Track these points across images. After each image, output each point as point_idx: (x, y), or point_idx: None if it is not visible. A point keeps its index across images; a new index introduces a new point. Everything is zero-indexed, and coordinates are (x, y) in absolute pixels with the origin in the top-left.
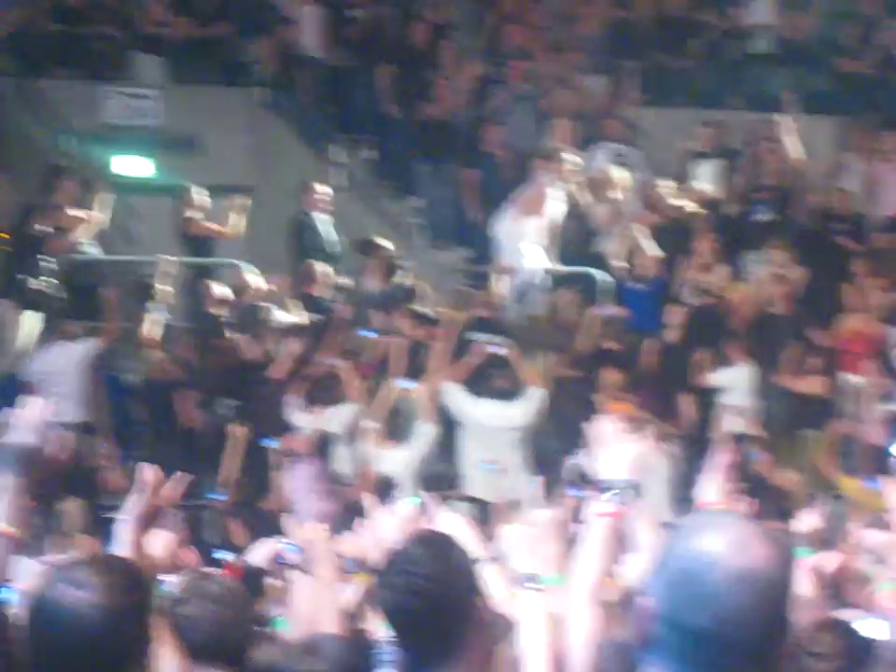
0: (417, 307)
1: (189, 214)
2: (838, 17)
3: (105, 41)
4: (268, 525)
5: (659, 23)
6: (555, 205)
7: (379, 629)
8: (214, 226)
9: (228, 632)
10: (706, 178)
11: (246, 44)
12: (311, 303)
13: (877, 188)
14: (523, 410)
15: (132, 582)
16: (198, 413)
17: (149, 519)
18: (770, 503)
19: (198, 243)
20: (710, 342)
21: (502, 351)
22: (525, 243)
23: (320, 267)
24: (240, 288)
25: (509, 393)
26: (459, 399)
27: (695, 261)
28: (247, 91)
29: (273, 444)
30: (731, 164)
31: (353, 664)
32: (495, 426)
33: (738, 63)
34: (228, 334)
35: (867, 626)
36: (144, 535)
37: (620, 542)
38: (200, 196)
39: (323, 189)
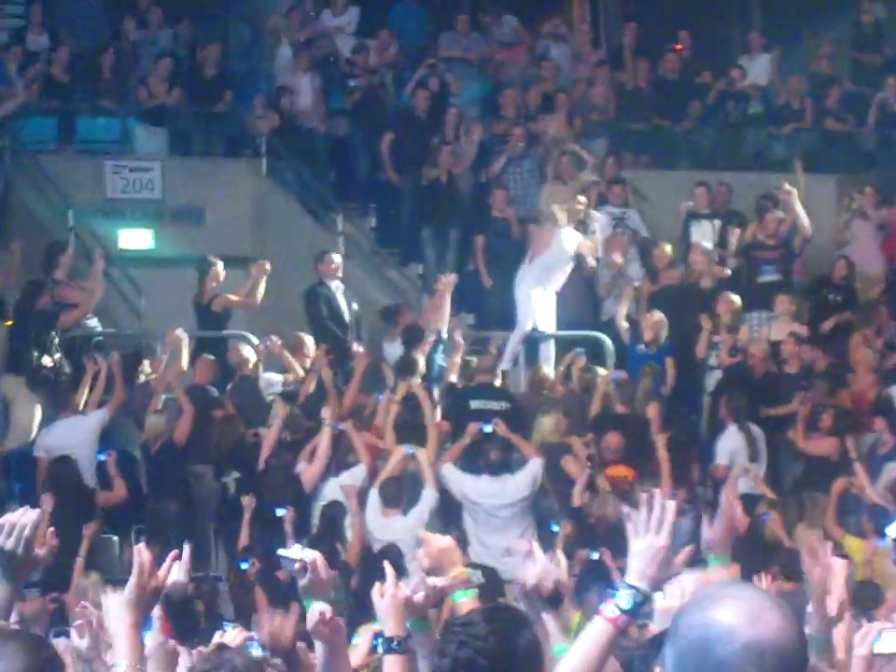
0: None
1: (212, 287)
2: (829, 78)
3: (104, 115)
4: (283, 595)
5: (657, 87)
6: (570, 245)
7: None
8: (237, 298)
9: None
10: (704, 239)
11: (247, 115)
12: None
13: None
14: (520, 483)
15: (41, 658)
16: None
17: (147, 602)
18: (783, 565)
19: (212, 315)
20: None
21: (489, 429)
22: (545, 296)
23: (308, 339)
24: (238, 363)
25: (506, 467)
26: (458, 481)
27: (720, 322)
28: (248, 162)
29: (283, 512)
30: (730, 224)
31: None
32: (494, 503)
33: (737, 124)
34: (228, 407)
35: None
36: (142, 618)
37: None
38: (220, 269)
39: (337, 259)
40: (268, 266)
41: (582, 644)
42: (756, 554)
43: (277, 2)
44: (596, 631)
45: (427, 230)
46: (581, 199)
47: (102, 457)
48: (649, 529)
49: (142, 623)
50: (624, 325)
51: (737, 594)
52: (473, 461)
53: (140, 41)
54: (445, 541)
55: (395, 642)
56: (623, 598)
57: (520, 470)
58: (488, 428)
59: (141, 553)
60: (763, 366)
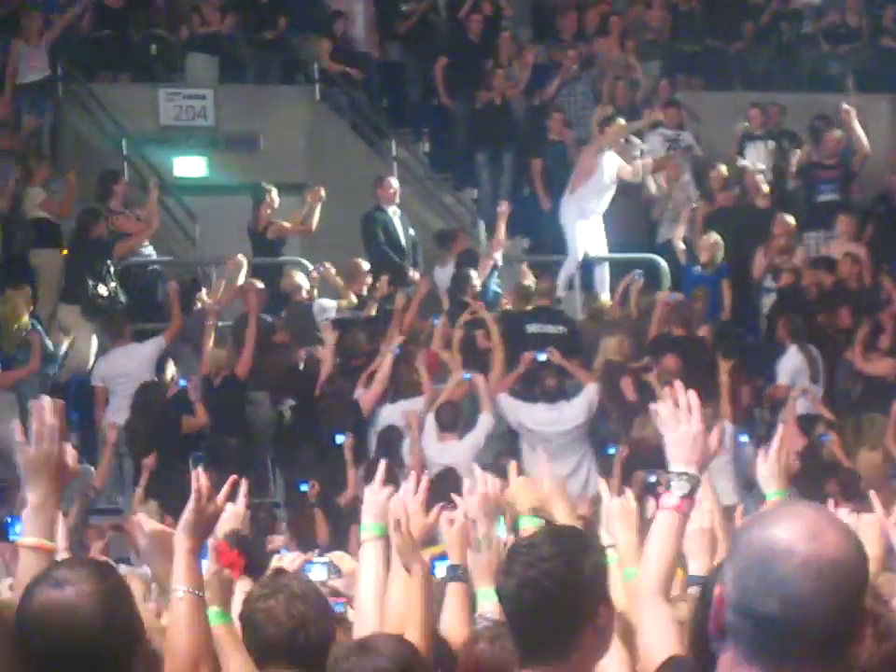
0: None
1: (267, 214)
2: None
3: (156, 43)
4: (345, 520)
5: (710, 7)
6: (610, 171)
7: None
8: (292, 225)
9: (309, 629)
10: (759, 160)
11: (299, 41)
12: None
13: None
14: (577, 410)
15: (110, 576)
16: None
17: (204, 528)
18: (842, 485)
19: (266, 242)
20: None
21: (544, 357)
22: (589, 225)
23: (364, 265)
24: (291, 290)
25: (561, 393)
26: (514, 409)
27: (775, 244)
28: (302, 89)
29: (342, 439)
30: (785, 145)
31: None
32: (551, 431)
33: (790, 45)
34: (282, 334)
35: None
36: (199, 544)
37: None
38: (274, 196)
39: (395, 184)
40: (323, 192)
41: (657, 538)
42: (815, 474)
43: None
44: (665, 523)
45: (481, 154)
46: (621, 121)
47: (183, 383)
48: (679, 420)
49: (199, 548)
50: (681, 246)
51: (797, 511)
52: (528, 388)
53: None
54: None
55: (460, 570)
56: (680, 485)
57: (575, 397)
58: (542, 357)
59: (199, 478)
60: (817, 286)
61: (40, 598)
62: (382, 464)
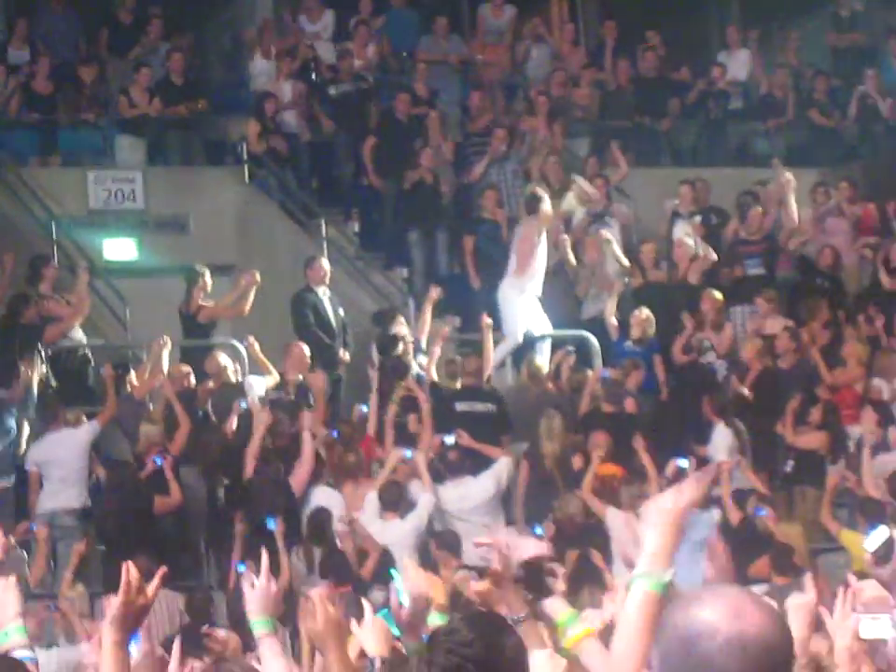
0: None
1: (200, 299)
2: (812, 72)
3: (84, 126)
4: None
5: (637, 85)
6: (543, 255)
7: None
8: (225, 309)
9: None
10: (688, 236)
11: (227, 122)
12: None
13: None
14: (483, 483)
15: None
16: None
17: (133, 620)
18: (775, 560)
19: (197, 324)
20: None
21: (451, 440)
22: (523, 306)
23: (300, 346)
24: (216, 371)
25: (465, 469)
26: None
27: (702, 320)
28: (230, 170)
29: (273, 525)
30: (712, 221)
31: None
32: (460, 508)
33: (718, 121)
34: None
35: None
36: (126, 635)
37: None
38: (207, 279)
39: (326, 264)
40: (258, 276)
41: (632, 618)
42: (749, 549)
43: (253, 13)
44: (642, 601)
45: (413, 232)
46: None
47: (159, 461)
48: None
49: (127, 640)
50: (613, 322)
51: (719, 592)
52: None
53: (120, 53)
54: (422, 572)
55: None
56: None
57: (483, 472)
58: (450, 440)
59: (129, 570)
60: (759, 363)
61: None
62: (264, 557)
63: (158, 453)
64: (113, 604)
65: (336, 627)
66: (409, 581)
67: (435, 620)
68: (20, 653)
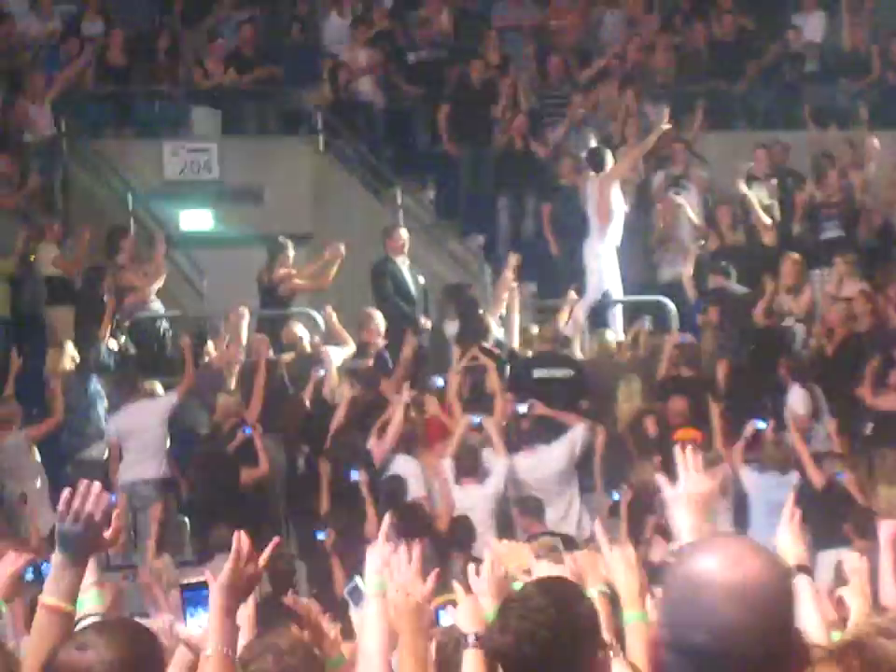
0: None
1: (283, 271)
2: (890, 32)
3: (159, 97)
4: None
5: (713, 49)
6: (619, 212)
7: None
8: (307, 282)
9: None
10: (764, 199)
11: (301, 91)
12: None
13: None
14: (557, 453)
15: (138, 643)
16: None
17: (243, 589)
18: (857, 523)
19: (276, 296)
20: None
21: (524, 409)
22: (603, 268)
23: (376, 314)
24: (291, 341)
25: (538, 437)
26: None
27: (782, 283)
28: (305, 139)
29: (356, 476)
30: (789, 184)
31: None
32: (533, 478)
33: (795, 83)
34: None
35: None
36: (236, 603)
37: None
38: (290, 252)
39: (405, 234)
40: (343, 248)
41: None
42: (830, 512)
43: None
44: None
45: (503, 198)
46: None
47: (247, 431)
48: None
49: (236, 608)
50: (691, 286)
51: (718, 543)
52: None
53: (194, 24)
54: (509, 544)
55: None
56: None
57: (556, 440)
58: (522, 408)
59: (240, 538)
60: (844, 327)
61: (62, 659)
62: (386, 519)
63: (243, 423)
64: (223, 571)
65: (416, 613)
66: (495, 555)
67: (518, 584)
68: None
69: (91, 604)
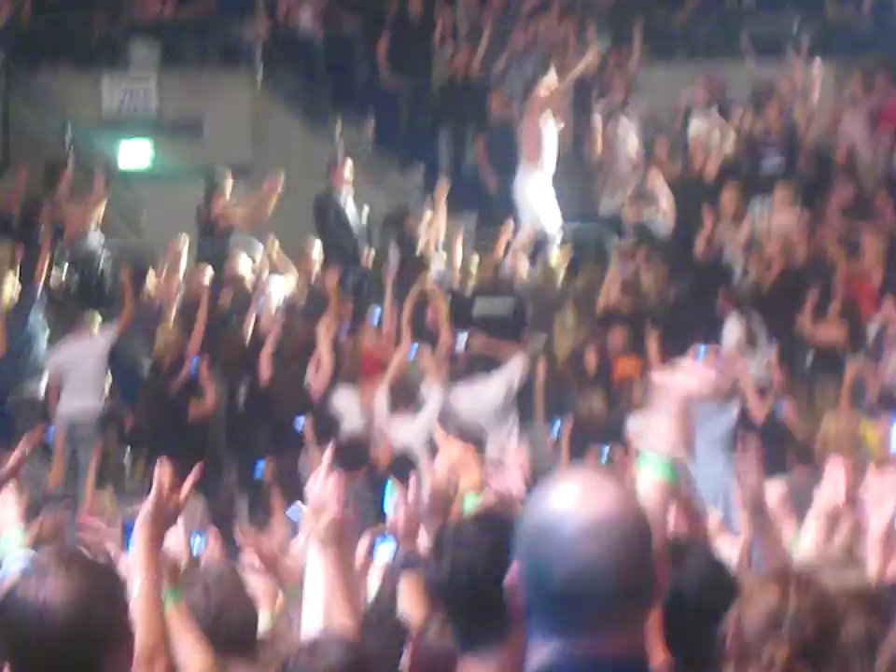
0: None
1: (221, 204)
2: None
3: (97, 29)
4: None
5: None
6: (552, 142)
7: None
8: (244, 215)
9: (224, 616)
10: (704, 131)
11: (241, 24)
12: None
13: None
14: (495, 387)
15: (99, 577)
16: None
17: (166, 520)
18: (797, 453)
19: (215, 230)
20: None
21: (463, 342)
22: (537, 198)
23: (316, 245)
24: (235, 277)
25: (476, 371)
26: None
27: (722, 214)
28: (244, 72)
29: (301, 422)
30: (728, 116)
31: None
32: (473, 410)
33: (735, 12)
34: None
35: None
36: (160, 535)
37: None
38: (228, 185)
39: (349, 165)
40: (281, 180)
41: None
42: (773, 441)
43: None
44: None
45: (443, 130)
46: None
47: (195, 364)
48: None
49: (159, 539)
50: (631, 218)
51: (569, 478)
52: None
53: None
54: (461, 446)
55: (413, 557)
56: None
57: (495, 373)
58: (461, 341)
59: (161, 470)
60: (782, 259)
61: (21, 585)
62: (328, 449)
63: (184, 357)
64: (146, 503)
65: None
66: (445, 454)
67: (470, 500)
68: (17, 555)
69: (14, 538)
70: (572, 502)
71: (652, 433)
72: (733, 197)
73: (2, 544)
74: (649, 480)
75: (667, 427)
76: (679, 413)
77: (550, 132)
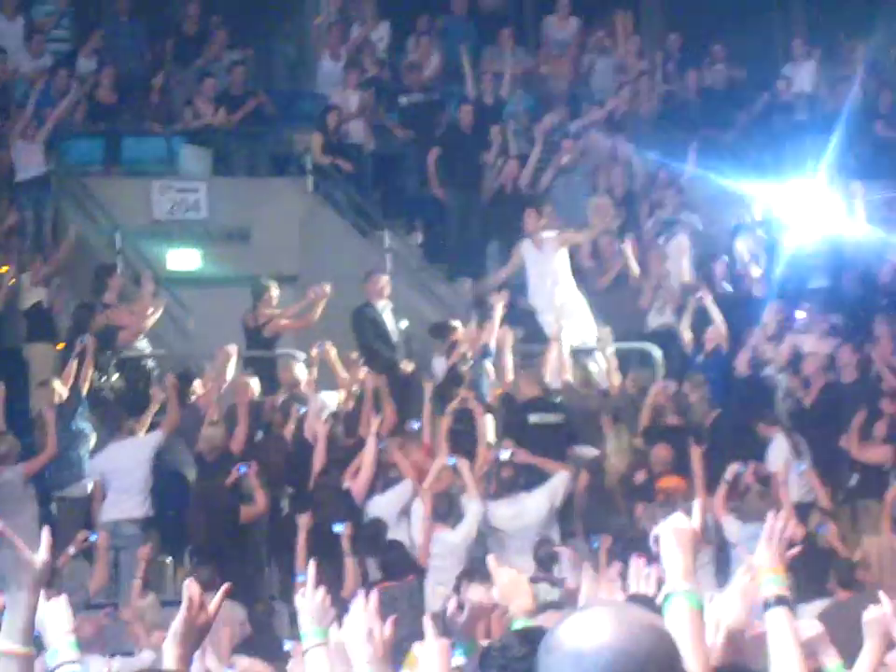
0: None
1: (267, 312)
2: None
3: (149, 137)
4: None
5: (703, 96)
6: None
7: None
8: (291, 322)
9: None
10: (750, 249)
11: (291, 133)
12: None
13: None
14: (538, 500)
15: None
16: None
17: (195, 637)
18: (840, 574)
19: (262, 337)
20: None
21: (506, 455)
22: (582, 315)
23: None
24: (290, 383)
25: (518, 485)
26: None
27: (764, 332)
28: (294, 181)
29: (341, 528)
30: (774, 233)
31: None
32: (513, 527)
33: (783, 133)
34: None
35: None
36: (190, 653)
37: None
38: (274, 293)
39: (384, 278)
40: (328, 289)
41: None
42: (812, 565)
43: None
44: (688, 619)
45: (493, 243)
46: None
47: (243, 469)
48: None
49: (189, 656)
50: (688, 335)
51: (603, 607)
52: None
53: (185, 63)
54: (512, 573)
55: None
56: None
57: (536, 487)
58: (504, 455)
59: (190, 586)
60: (822, 377)
61: None
62: (311, 566)
63: (229, 457)
64: (175, 620)
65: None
66: (495, 580)
67: (520, 623)
68: (69, 669)
69: (65, 651)
70: (607, 631)
71: (671, 569)
72: (775, 316)
73: (50, 657)
74: (679, 611)
75: (683, 562)
76: (690, 549)
77: (561, 265)
